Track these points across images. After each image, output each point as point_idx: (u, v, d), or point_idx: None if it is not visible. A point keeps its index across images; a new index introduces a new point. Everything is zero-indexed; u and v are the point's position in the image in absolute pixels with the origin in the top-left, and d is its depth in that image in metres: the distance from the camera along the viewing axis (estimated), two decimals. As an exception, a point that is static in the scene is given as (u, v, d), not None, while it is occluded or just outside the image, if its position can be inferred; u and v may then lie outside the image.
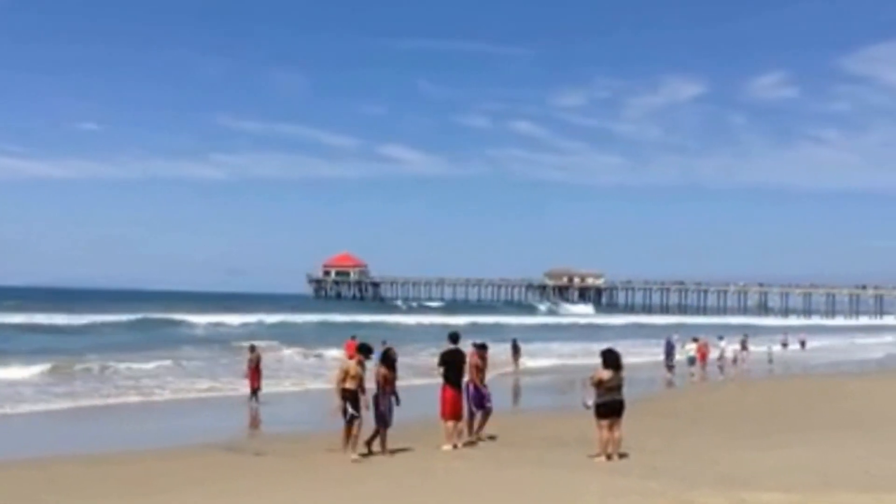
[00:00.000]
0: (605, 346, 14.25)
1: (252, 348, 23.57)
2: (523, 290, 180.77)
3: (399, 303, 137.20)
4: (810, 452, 13.42)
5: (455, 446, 13.88)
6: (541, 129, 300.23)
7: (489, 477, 11.34)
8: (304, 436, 16.09)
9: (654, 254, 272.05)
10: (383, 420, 13.53)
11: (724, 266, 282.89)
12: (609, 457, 12.53)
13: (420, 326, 64.33)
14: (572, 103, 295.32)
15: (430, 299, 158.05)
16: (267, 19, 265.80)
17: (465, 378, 14.50)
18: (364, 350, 13.64)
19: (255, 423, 19.86)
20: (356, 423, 13.04)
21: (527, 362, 35.03)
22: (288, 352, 38.74)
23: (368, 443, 13.53)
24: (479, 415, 14.87)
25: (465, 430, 14.57)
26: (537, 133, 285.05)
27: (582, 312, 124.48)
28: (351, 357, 13.93)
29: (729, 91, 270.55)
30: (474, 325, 59.87)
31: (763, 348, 43.17)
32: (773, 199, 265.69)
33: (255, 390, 21.96)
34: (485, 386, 14.90)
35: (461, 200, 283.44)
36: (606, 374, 12.72)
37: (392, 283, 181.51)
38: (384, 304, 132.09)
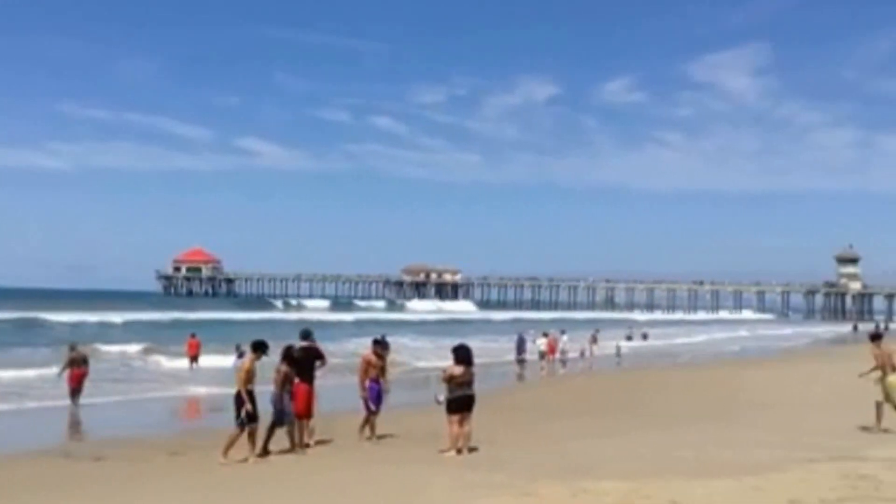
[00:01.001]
0: (458, 342, 14.33)
1: (72, 347, 22.18)
2: (380, 286, 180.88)
3: (278, 303, 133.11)
4: (650, 441, 13.97)
5: (307, 445, 13.60)
6: (401, 125, 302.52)
7: (337, 476, 11.16)
8: (141, 439, 15.34)
9: (510, 251, 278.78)
10: (281, 419, 13.25)
11: (576, 263, 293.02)
12: (459, 451, 12.60)
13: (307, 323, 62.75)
14: (431, 100, 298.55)
15: (311, 297, 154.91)
16: (114, 2, 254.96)
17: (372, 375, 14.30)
18: (261, 348, 13.10)
19: (77, 427, 18.65)
20: (254, 426, 12.61)
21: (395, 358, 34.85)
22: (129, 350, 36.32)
23: (265, 443, 13.16)
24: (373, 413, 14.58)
25: (366, 430, 14.41)
26: (397, 129, 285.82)
27: (463, 309, 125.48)
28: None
29: (581, 94, 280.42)
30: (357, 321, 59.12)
31: (614, 342, 44.90)
32: (621, 199, 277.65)
33: (74, 392, 20.76)
34: (377, 382, 14.56)
35: (321, 196, 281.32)
36: (458, 370, 12.77)
37: (247, 280, 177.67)
38: (262, 304, 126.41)
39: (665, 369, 33.82)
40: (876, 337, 15.92)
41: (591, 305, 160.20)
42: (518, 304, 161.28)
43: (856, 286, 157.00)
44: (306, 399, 13.55)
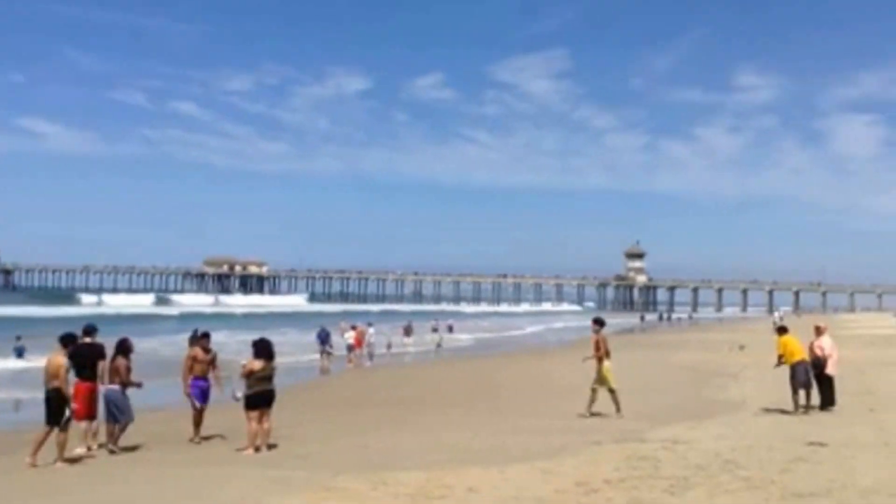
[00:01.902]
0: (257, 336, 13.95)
1: None
2: (180, 278, 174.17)
3: (85, 297, 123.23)
4: (452, 431, 14.24)
5: (89, 448, 12.79)
6: (205, 111, 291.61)
7: (129, 478, 10.58)
8: None
9: (319, 243, 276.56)
10: (113, 415, 12.66)
11: (385, 256, 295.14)
12: (258, 449, 12.28)
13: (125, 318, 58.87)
14: (239, 87, 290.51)
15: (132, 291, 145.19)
16: None
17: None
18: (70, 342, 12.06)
19: None
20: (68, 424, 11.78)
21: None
22: None
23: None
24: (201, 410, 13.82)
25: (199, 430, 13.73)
26: (201, 115, 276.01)
27: (294, 303, 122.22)
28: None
29: (392, 88, 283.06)
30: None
31: (429, 336, 45.46)
32: (431, 193, 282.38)
33: None
34: (205, 380, 13.81)
35: (113, 182, 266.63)
36: (258, 365, 12.45)
37: (28, 271, 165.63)
38: (61, 298, 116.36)
39: (475, 360, 34.66)
40: (597, 322, 16.56)
41: (401, 298, 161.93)
42: (346, 297, 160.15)
43: (642, 279, 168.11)
44: (87, 399, 12.72)
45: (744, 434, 12.84)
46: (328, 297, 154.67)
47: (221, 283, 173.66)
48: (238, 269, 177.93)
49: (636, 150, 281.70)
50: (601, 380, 15.78)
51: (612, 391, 15.71)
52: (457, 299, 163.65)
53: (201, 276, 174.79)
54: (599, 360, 15.86)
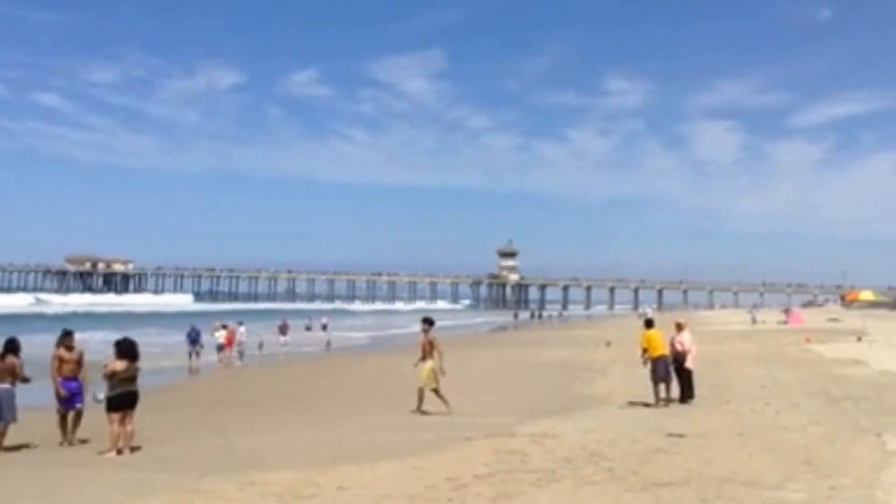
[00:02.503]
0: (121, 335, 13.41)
1: None
2: (40, 276, 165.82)
3: None
4: (323, 430, 14.14)
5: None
6: (68, 103, 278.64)
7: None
8: None
9: (188, 240, 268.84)
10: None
11: (258, 253, 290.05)
12: (120, 451, 11.80)
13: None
14: (104, 79, 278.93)
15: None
16: None
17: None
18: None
19: None
20: None
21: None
22: None
23: None
24: (71, 414, 13.02)
25: (71, 432, 13.01)
26: (63, 107, 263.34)
27: (181, 302, 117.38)
28: None
29: (266, 83, 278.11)
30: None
31: (312, 334, 44.75)
32: (305, 190, 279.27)
33: None
34: (74, 380, 13.00)
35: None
36: (121, 365, 11.97)
37: None
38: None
39: (351, 358, 34.45)
40: (426, 321, 16.47)
41: (273, 296, 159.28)
42: (237, 297, 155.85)
43: (514, 278, 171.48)
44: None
45: (609, 427, 13.27)
46: (215, 297, 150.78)
47: (84, 281, 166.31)
48: (101, 266, 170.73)
49: (510, 150, 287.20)
50: (424, 377, 15.79)
51: (435, 391, 15.78)
52: (331, 297, 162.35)
53: (62, 273, 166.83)
54: (423, 359, 15.90)
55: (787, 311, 68.70)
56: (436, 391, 15.83)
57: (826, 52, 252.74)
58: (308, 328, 54.48)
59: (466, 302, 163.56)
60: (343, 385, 23.34)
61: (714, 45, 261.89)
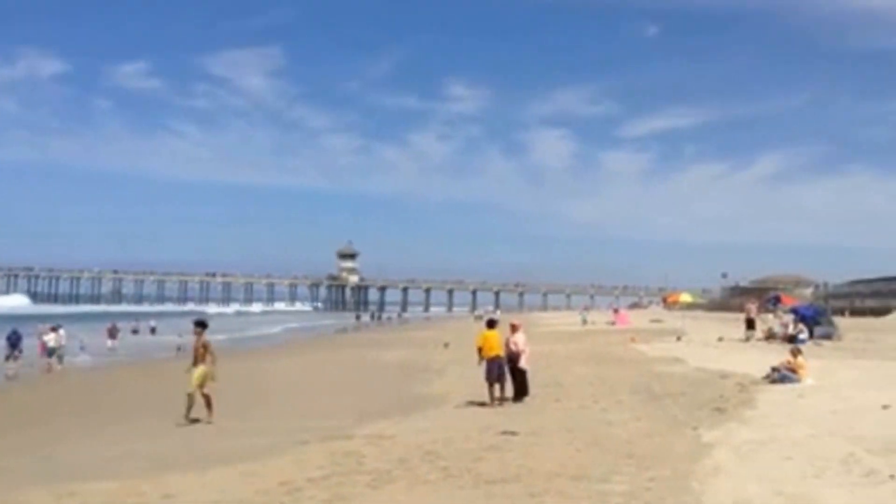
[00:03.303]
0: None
1: None
2: None
3: None
4: (150, 438, 13.56)
5: None
6: None
7: None
8: None
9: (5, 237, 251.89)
10: None
11: (80, 251, 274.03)
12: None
13: None
14: None
15: None
16: None
17: None
18: None
19: None
20: None
21: None
22: None
23: None
24: None
25: None
26: None
27: (15, 304, 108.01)
28: None
29: (92, 74, 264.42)
30: None
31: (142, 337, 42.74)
32: (134, 187, 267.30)
33: None
34: None
35: None
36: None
37: None
38: None
39: (160, 364, 33.13)
40: (199, 324, 15.86)
41: (97, 298, 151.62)
42: (77, 298, 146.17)
43: (354, 279, 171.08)
44: None
45: (445, 426, 13.43)
46: (54, 298, 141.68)
47: None
48: None
49: (351, 152, 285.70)
50: (195, 383, 15.15)
51: (206, 397, 15.17)
52: (161, 299, 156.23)
53: None
54: (195, 364, 15.29)
55: (615, 312, 71.90)
56: (206, 398, 15.13)
57: (653, 67, 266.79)
58: (135, 331, 52.24)
59: (318, 304, 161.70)
60: (173, 391, 22.44)
61: (549, 57, 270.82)
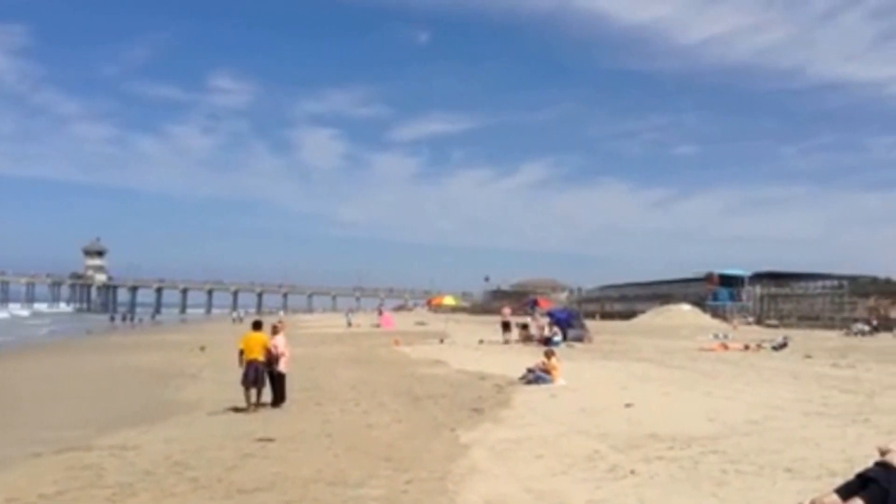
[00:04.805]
0: None
1: None
2: None
3: None
4: None
5: None
6: None
7: None
8: None
9: None
10: None
11: None
12: None
13: None
14: None
15: None
16: None
17: None
18: None
19: None
20: None
21: None
22: None
23: None
24: None
25: None
26: None
27: None
28: None
29: None
30: None
31: None
32: None
33: None
34: None
35: None
36: None
37: None
38: None
39: None
40: None
41: None
42: None
43: (102, 278, 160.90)
44: None
45: (196, 435, 12.75)
46: None
47: None
48: None
49: (104, 141, 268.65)
50: None
51: None
52: None
53: None
54: None
55: (380, 314, 72.67)
56: None
57: (423, 73, 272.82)
58: None
59: (73, 305, 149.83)
60: None
61: (321, 56, 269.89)
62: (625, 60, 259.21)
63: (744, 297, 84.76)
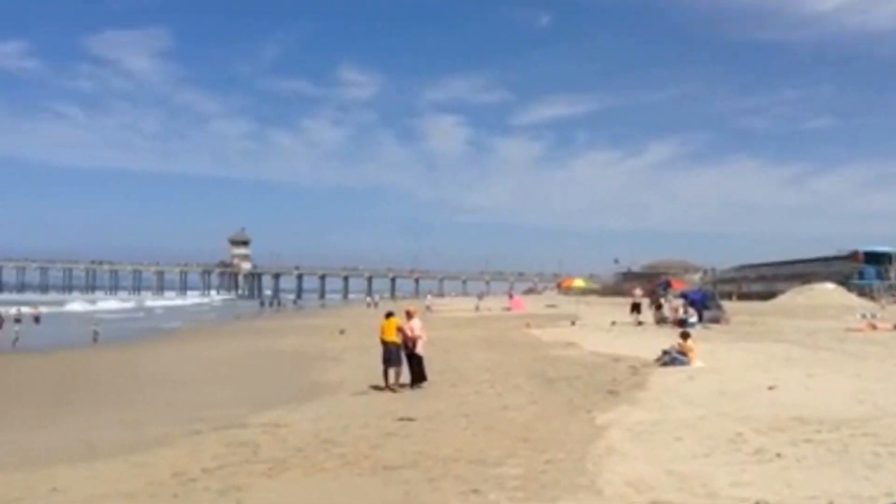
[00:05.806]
0: None
1: None
2: None
3: None
4: (37, 430, 13.02)
5: None
6: None
7: None
8: None
9: None
10: None
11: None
12: None
13: None
14: None
15: None
16: None
17: None
18: None
19: None
20: None
21: None
22: None
23: None
24: None
25: None
26: None
27: None
28: None
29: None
30: None
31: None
32: (11, 171, 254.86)
33: None
34: None
35: None
36: None
37: None
38: None
39: (74, 355, 31.77)
40: None
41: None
42: None
43: (247, 266, 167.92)
44: None
45: (341, 414, 13.29)
46: None
47: None
48: None
49: (242, 137, 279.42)
50: None
51: None
52: (45, 287, 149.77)
53: None
54: None
55: (510, 297, 72.85)
56: None
57: (545, 56, 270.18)
58: (18, 320, 49.79)
59: (223, 293, 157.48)
60: (60, 381, 21.55)
61: (443, 44, 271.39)
62: (753, 31, 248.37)
63: (892, 275, 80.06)
